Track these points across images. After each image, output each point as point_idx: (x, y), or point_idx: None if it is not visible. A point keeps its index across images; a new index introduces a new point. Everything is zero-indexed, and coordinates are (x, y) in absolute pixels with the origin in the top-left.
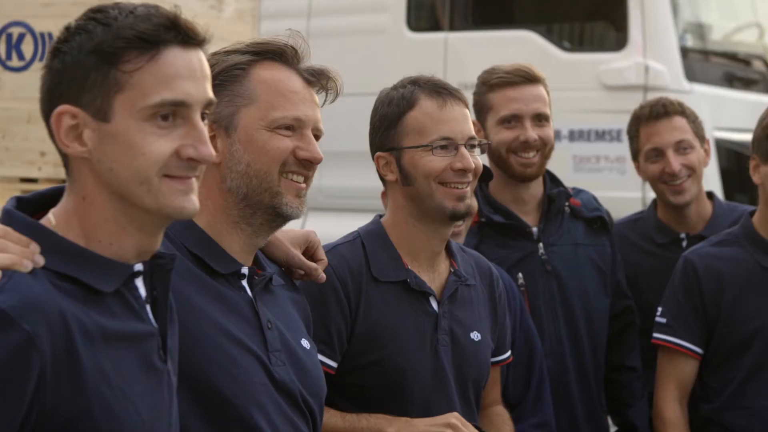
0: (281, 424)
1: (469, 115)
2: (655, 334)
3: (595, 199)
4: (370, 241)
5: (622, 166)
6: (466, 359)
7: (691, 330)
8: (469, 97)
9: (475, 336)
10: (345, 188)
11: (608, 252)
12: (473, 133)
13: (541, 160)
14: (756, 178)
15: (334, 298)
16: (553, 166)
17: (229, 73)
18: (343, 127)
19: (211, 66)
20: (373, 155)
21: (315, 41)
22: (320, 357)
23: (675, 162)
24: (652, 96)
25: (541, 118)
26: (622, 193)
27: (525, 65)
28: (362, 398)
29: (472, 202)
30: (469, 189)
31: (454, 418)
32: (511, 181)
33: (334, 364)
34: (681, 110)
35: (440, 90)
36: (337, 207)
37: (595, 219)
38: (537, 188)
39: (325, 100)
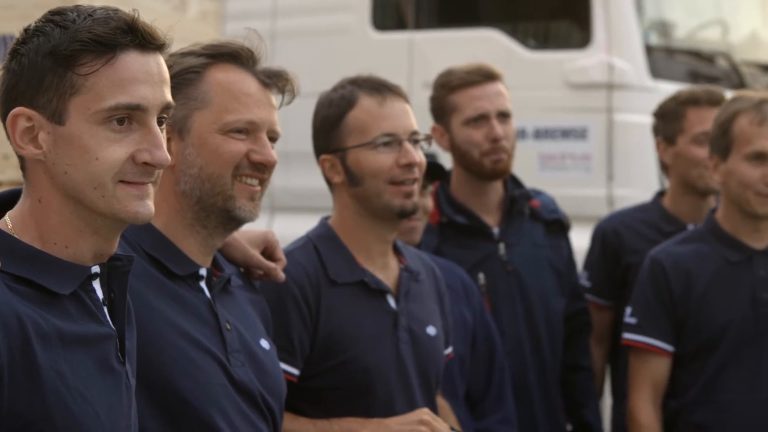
0: (241, 425)
1: (410, 110)
2: (625, 335)
3: (553, 201)
4: (322, 245)
5: (587, 164)
6: (425, 354)
7: (662, 328)
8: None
9: (431, 330)
10: (312, 188)
11: (565, 254)
12: (416, 127)
13: (508, 157)
14: (717, 177)
15: (293, 305)
16: (519, 164)
17: (183, 76)
18: (310, 127)
19: (168, 68)
20: (317, 159)
21: (280, 42)
22: (282, 365)
23: None
24: (617, 94)
25: (505, 115)
26: (588, 191)
27: (482, 64)
28: (326, 401)
29: (426, 201)
30: (416, 186)
31: (426, 414)
32: (473, 181)
33: (296, 371)
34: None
35: (379, 87)
36: (304, 207)
37: (553, 221)
38: (499, 188)
39: (281, 102)
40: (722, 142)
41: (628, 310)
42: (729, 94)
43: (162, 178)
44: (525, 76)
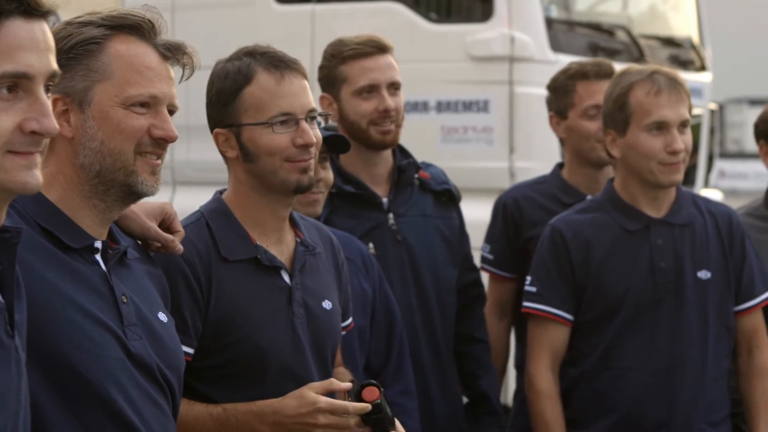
0: (139, 399)
1: (308, 86)
2: (525, 303)
3: (443, 173)
4: (215, 220)
5: (489, 137)
6: (321, 329)
7: (561, 297)
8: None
9: (327, 305)
10: (213, 161)
11: (456, 224)
12: (313, 105)
13: (396, 128)
14: (615, 152)
15: (184, 284)
16: (421, 137)
17: (84, 47)
18: None
19: (65, 37)
20: (211, 131)
21: (182, 14)
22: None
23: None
24: (518, 67)
25: (395, 87)
26: (489, 164)
27: (374, 35)
28: (221, 379)
29: (328, 173)
30: (312, 161)
31: (321, 415)
32: (363, 152)
33: (191, 350)
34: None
35: (277, 63)
36: (206, 180)
37: (443, 192)
38: (388, 159)
39: (182, 76)
40: (619, 116)
41: (528, 278)
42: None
43: (59, 150)
44: (427, 49)
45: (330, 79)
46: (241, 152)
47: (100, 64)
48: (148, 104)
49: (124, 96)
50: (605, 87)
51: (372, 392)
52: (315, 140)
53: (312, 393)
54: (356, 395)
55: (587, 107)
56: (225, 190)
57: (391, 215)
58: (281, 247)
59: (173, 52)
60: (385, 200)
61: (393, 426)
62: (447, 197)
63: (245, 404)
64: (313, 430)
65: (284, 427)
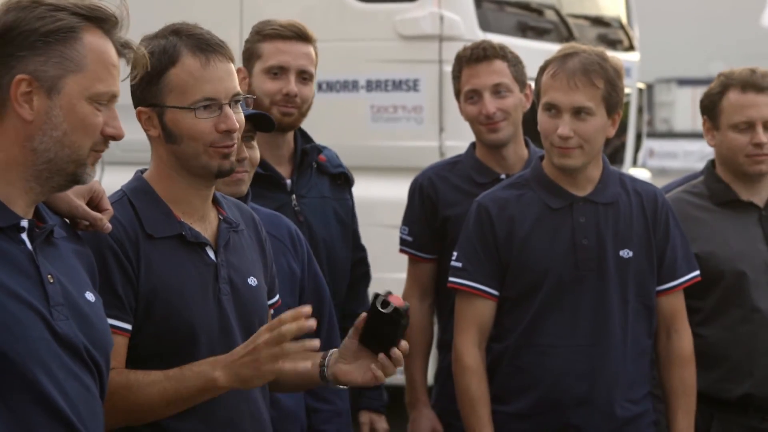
0: (65, 380)
1: (234, 70)
2: (451, 278)
3: (337, 156)
4: (138, 199)
5: (419, 116)
6: (248, 306)
7: (487, 273)
8: None
9: (252, 281)
10: (141, 142)
11: (350, 205)
12: (238, 89)
13: (299, 114)
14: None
15: (114, 260)
16: (351, 116)
17: (61, 34)
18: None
19: (39, 18)
20: (135, 108)
21: None
22: (115, 322)
23: (491, 105)
24: (447, 46)
25: (305, 76)
26: (419, 143)
27: (300, 23)
28: (151, 357)
29: (254, 152)
30: (235, 146)
31: (259, 337)
32: (265, 132)
33: (128, 326)
34: (502, 54)
35: (203, 46)
36: (134, 161)
37: (338, 175)
38: (290, 141)
39: (128, 76)
40: (536, 89)
41: (455, 254)
42: (558, 48)
43: (9, 129)
44: (356, 28)
45: (248, 54)
46: (164, 132)
47: (75, 54)
48: (107, 101)
49: (93, 91)
50: (482, 70)
51: (397, 299)
52: (238, 126)
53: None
54: (383, 303)
55: (466, 92)
56: (146, 169)
57: (294, 196)
58: (205, 224)
59: (126, 51)
60: (288, 182)
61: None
62: (343, 180)
63: (200, 360)
64: (258, 356)
65: (234, 367)
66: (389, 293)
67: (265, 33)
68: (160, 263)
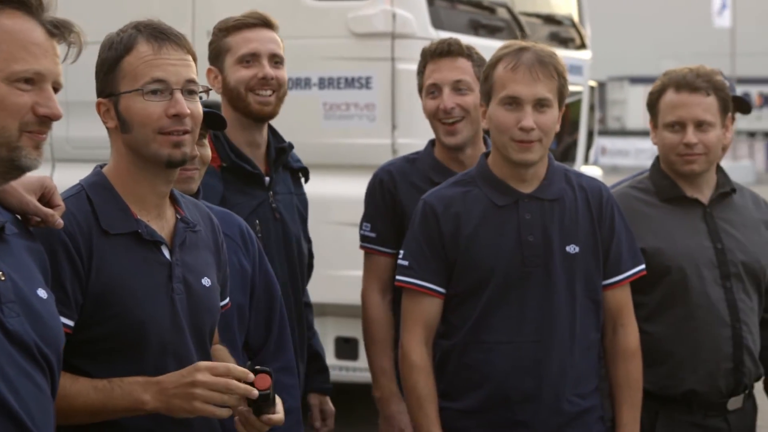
0: (16, 377)
1: (191, 61)
2: (398, 277)
3: (294, 151)
4: (95, 193)
5: (371, 114)
6: (200, 306)
7: (433, 271)
8: None
9: (206, 282)
10: (93, 138)
11: (305, 200)
12: (192, 76)
13: (276, 101)
14: (485, 124)
15: (64, 255)
16: (303, 113)
17: None
18: (91, 77)
19: None
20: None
21: None
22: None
23: (449, 100)
24: (399, 43)
25: (276, 60)
26: (372, 140)
27: (260, 11)
28: (100, 354)
29: (205, 150)
30: (187, 136)
31: (200, 373)
32: (246, 124)
33: (71, 322)
34: (468, 53)
35: (158, 35)
36: (85, 158)
37: (300, 169)
38: (266, 134)
39: (66, 55)
40: (485, 88)
41: (401, 252)
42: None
43: None
44: (309, 25)
45: (216, 52)
46: (119, 122)
47: None
48: (33, 81)
49: (8, 71)
50: (444, 65)
51: (264, 380)
52: (189, 112)
53: (196, 366)
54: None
55: (426, 86)
56: (105, 164)
57: (271, 193)
58: (161, 222)
59: (60, 30)
60: (267, 179)
61: (274, 407)
62: (302, 174)
63: (131, 377)
64: (193, 391)
65: (166, 394)
66: (255, 372)
67: (229, 26)
68: (113, 260)
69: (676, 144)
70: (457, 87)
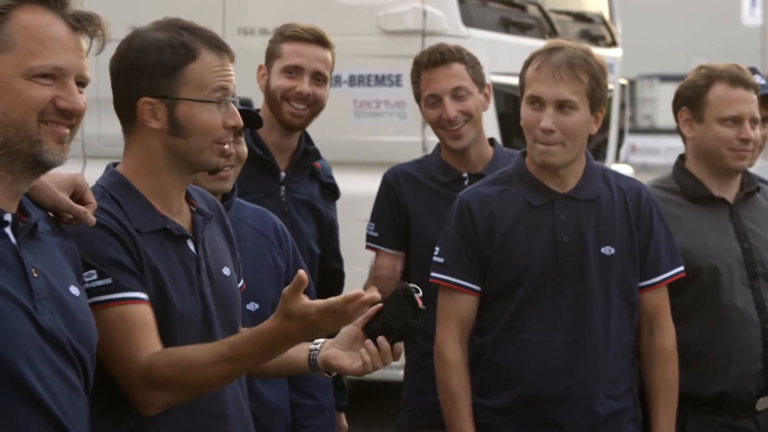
0: (49, 374)
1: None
2: (433, 274)
3: (330, 168)
4: (118, 194)
5: (402, 111)
6: (226, 296)
7: (468, 268)
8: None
9: (226, 271)
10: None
11: (332, 216)
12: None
13: (309, 115)
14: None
15: (120, 245)
16: (334, 111)
17: None
18: None
19: None
20: (133, 99)
21: None
22: (138, 294)
23: (451, 108)
24: (430, 41)
25: (320, 78)
26: (403, 138)
27: (321, 29)
28: None
29: (242, 147)
30: (231, 146)
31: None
32: (277, 127)
33: (146, 296)
34: (460, 57)
35: (219, 45)
36: (116, 155)
37: (328, 185)
38: (295, 140)
39: (89, 48)
40: (519, 84)
41: (436, 249)
42: (540, 43)
43: None
44: (339, 23)
45: (269, 53)
46: (170, 126)
47: (3, 35)
48: (53, 75)
49: (26, 67)
50: (440, 74)
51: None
52: (242, 124)
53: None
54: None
55: (426, 97)
56: (117, 163)
57: (283, 188)
58: (181, 217)
59: (83, 23)
60: (283, 174)
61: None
62: (330, 191)
63: (245, 334)
64: (339, 316)
65: (313, 327)
66: (418, 290)
67: (286, 35)
68: (152, 258)
69: (730, 139)
70: (456, 94)
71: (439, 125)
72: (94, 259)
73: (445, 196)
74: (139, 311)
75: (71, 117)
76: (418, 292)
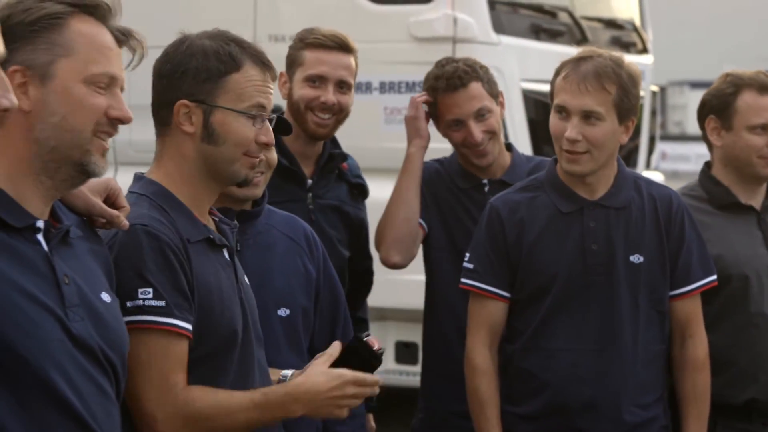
0: (80, 381)
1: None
2: (464, 280)
3: (358, 167)
4: (165, 203)
5: None
6: (251, 304)
7: (497, 275)
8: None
9: (246, 279)
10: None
11: (362, 216)
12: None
13: (334, 123)
14: None
15: (175, 259)
16: (364, 117)
17: (47, 21)
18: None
19: (25, 10)
20: (170, 101)
21: None
22: (183, 324)
23: (477, 131)
24: (461, 48)
25: (344, 86)
26: (433, 144)
27: (343, 34)
28: (193, 361)
29: (272, 154)
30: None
31: (349, 387)
32: (301, 135)
33: (190, 326)
34: (476, 75)
35: (264, 61)
36: (147, 161)
37: (356, 185)
38: (320, 146)
39: (130, 63)
40: (550, 91)
41: (467, 255)
42: (571, 50)
43: (11, 123)
44: (370, 30)
45: (291, 60)
46: (204, 131)
47: (63, 39)
48: (107, 84)
49: (87, 73)
50: (461, 98)
51: (373, 342)
52: (273, 141)
53: (332, 369)
54: (358, 349)
55: (449, 121)
56: (143, 173)
57: (310, 195)
58: (210, 226)
59: (126, 37)
60: (309, 181)
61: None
62: (359, 191)
63: (279, 386)
64: (340, 402)
65: (316, 404)
66: (369, 334)
67: (308, 41)
68: (200, 268)
69: (761, 146)
70: (479, 114)
71: (464, 146)
72: (154, 276)
73: (466, 201)
74: (181, 346)
75: (117, 127)
76: (368, 336)
